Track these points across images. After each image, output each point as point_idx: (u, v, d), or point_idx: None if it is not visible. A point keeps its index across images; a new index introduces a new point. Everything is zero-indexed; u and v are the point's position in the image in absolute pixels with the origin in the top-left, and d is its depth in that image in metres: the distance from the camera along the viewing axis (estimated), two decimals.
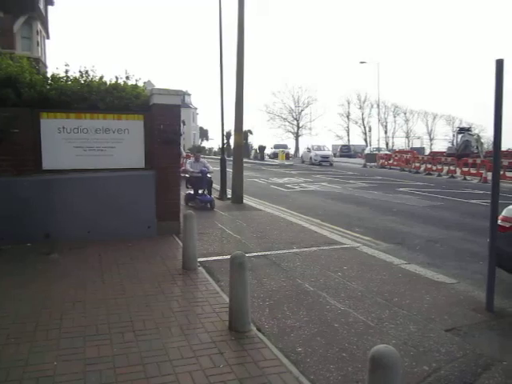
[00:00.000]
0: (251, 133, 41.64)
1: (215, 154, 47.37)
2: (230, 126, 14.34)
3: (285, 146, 49.39)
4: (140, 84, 8.62)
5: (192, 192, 12.11)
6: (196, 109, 69.91)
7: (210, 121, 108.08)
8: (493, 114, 4.96)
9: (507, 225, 5.52)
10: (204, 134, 73.09)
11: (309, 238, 8.31)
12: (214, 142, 69.65)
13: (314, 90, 65.88)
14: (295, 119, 64.67)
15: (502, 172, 21.43)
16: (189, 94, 64.44)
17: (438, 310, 4.90)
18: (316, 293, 5.40)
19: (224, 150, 16.36)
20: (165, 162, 8.11)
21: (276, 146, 47.62)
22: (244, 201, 13.09)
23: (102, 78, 8.21)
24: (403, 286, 5.67)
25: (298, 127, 64.29)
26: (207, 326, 4.29)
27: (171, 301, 5.00)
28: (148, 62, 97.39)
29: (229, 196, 13.57)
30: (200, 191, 11.80)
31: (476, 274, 6.21)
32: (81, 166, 7.74)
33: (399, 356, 2.38)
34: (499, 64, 4.91)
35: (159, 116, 8.04)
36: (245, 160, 23.08)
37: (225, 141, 16.44)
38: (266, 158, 42.59)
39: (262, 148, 41.05)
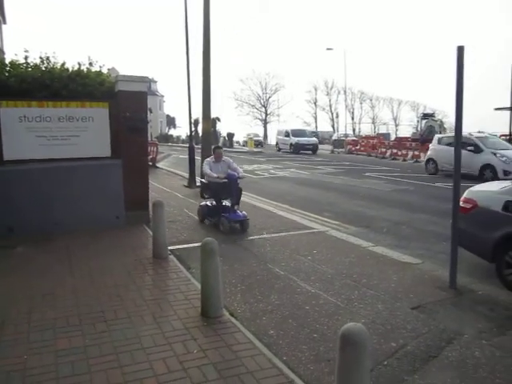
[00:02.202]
0: (219, 120, 41.25)
1: (183, 141, 46.87)
2: (197, 113, 14.11)
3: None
4: (104, 71, 8.40)
5: (210, 204, 8.42)
6: (163, 96, 68.75)
7: (177, 108, 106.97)
8: (454, 100, 5.11)
9: (468, 206, 5.73)
10: (171, 121, 72.06)
11: (278, 224, 8.40)
12: (181, 130, 68.96)
13: (281, 77, 66.07)
14: (263, 106, 64.74)
15: None
16: (155, 82, 63.22)
17: (404, 290, 5.07)
18: (287, 277, 5.49)
19: (192, 137, 16.21)
20: (132, 150, 7.98)
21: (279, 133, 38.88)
22: None
23: (63, 64, 7.95)
24: (371, 268, 5.83)
25: (266, 114, 64.38)
26: (180, 313, 4.31)
27: (142, 290, 4.98)
28: (112, 49, 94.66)
29: (198, 184, 13.50)
30: (224, 202, 8.21)
31: (440, 253, 6.44)
32: (44, 156, 7.51)
33: (368, 333, 2.47)
34: (460, 50, 5.04)
35: (125, 103, 7.89)
36: None
37: (193, 128, 16.29)
38: (235, 145, 42.45)
39: (230, 135, 40.86)
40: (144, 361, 3.44)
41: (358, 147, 33.37)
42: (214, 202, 8.26)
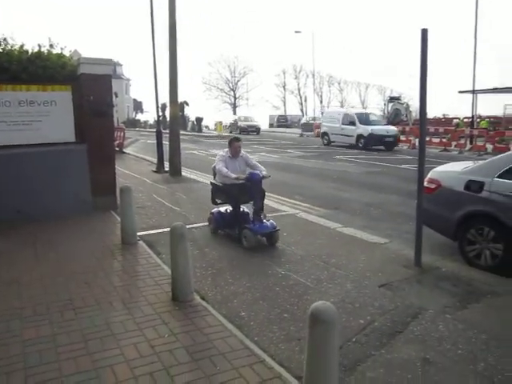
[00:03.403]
0: (187, 104, 40.67)
1: (151, 126, 46.05)
2: (165, 97, 13.77)
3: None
4: (66, 53, 8.11)
5: (225, 210, 6.68)
6: (129, 80, 67.11)
7: (144, 93, 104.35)
8: (419, 83, 5.19)
9: (432, 186, 5.89)
10: (138, 106, 70.54)
11: None
12: (149, 115, 67.61)
13: (250, 61, 65.59)
14: (232, 90, 64.22)
15: (428, 138, 22.69)
16: (120, 65, 61.53)
17: (372, 269, 5.19)
18: (257, 259, 5.52)
19: (160, 122, 15.94)
20: (97, 135, 7.77)
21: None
22: (183, 173, 12.93)
23: (22, 46, 7.61)
24: (340, 248, 5.94)
25: (235, 98, 63.91)
26: (150, 299, 4.28)
27: (111, 276, 4.91)
28: (75, 31, 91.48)
29: (166, 169, 13.35)
30: (245, 209, 6.50)
31: (407, 233, 6.61)
32: (5, 142, 7.23)
33: (336, 311, 2.52)
34: (424, 33, 5.10)
35: (88, 87, 7.65)
36: (182, 132, 22.67)
37: (160, 113, 16.03)
38: (204, 129, 42.05)
39: (199, 119, 40.45)
40: (114, 347, 3.42)
41: None
42: (229, 209, 6.58)
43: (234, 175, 6.16)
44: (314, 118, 42.40)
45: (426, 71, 5.12)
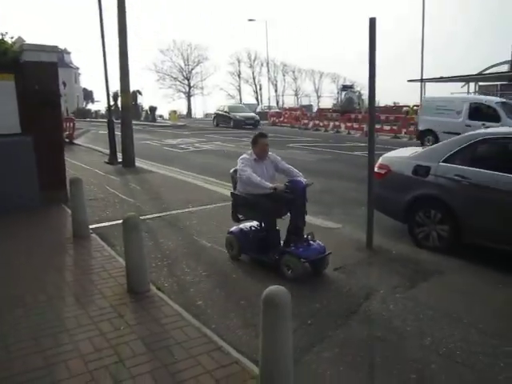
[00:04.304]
0: (140, 93, 39.65)
1: (103, 116, 44.67)
2: (116, 86, 13.30)
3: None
4: (7, 39, 7.70)
5: (249, 228, 5.19)
6: (78, 69, 64.71)
7: (94, 82, 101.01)
8: (368, 71, 5.30)
9: (383, 171, 6.08)
10: (89, 95, 68.18)
11: (204, 196, 8.37)
12: (100, 105, 65.56)
13: (204, 48, 64.51)
14: (186, 78, 63.25)
15: (379, 126, 23.33)
16: (68, 53, 59.20)
17: (335, 251, 5.29)
18: (214, 248, 5.53)
19: (111, 111, 15.48)
20: (44, 126, 7.45)
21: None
22: (136, 164, 12.66)
23: None
24: None
25: (190, 87, 63.05)
26: (105, 292, 4.20)
27: (64, 271, 4.79)
28: (19, 18, 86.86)
29: (119, 160, 13.03)
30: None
31: (359, 218, 6.77)
32: None
33: (289, 294, 2.57)
34: (372, 22, 5.21)
35: (33, 75, 7.31)
36: (136, 122, 22.16)
37: (112, 102, 15.58)
38: (159, 119, 41.27)
39: (152, 109, 39.54)
40: (67, 342, 3.34)
41: (281, 119, 33.84)
42: (254, 226, 5.16)
43: (270, 184, 4.69)
44: (270, 107, 42.55)
45: (374, 60, 5.24)
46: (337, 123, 27.12)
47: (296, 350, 3.26)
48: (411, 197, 5.68)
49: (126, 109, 13.12)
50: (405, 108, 33.96)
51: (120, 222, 5.58)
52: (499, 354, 3.25)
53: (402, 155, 6.37)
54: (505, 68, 34.39)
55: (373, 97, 5.42)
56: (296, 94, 77.73)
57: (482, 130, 6.35)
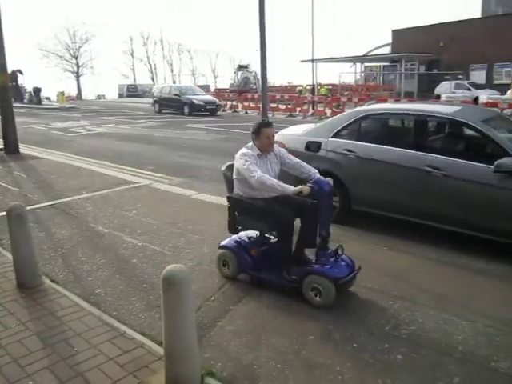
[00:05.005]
0: (21, 72, 36.01)
1: None
2: None
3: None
4: None
5: (247, 240, 4.22)
6: None
7: None
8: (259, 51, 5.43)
9: None
10: None
11: (99, 182, 8.00)
12: None
13: (94, 25, 60.42)
14: (74, 57, 58.95)
15: (275, 105, 24.02)
16: None
17: (226, 230, 5.36)
18: (111, 234, 5.34)
19: None
20: None
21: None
22: (21, 150, 11.60)
23: None
24: (196, 215, 6.05)
25: (78, 66, 58.98)
26: None
27: None
28: None
29: (0, 146, 11.86)
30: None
31: None
32: None
33: (188, 272, 2.59)
34: (261, 2, 5.33)
35: None
36: (18, 105, 20.29)
37: None
38: (45, 101, 38.10)
39: (37, 90, 36.30)
40: None
41: None
42: (253, 237, 4.22)
43: (292, 188, 3.69)
44: None
45: (264, 40, 5.39)
46: (234, 103, 27.33)
47: (201, 326, 3.33)
48: None
49: (4, 90, 11.89)
50: (298, 87, 35.28)
51: (3, 214, 5.17)
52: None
53: (295, 132, 6.63)
54: (387, 50, 37.20)
55: (265, 77, 5.58)
56: (193, 74, 76.64)
57: (364, 107, 6.83)
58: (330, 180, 3.85)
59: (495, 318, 3.47)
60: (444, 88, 26.06)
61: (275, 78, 53.50)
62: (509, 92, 19.55)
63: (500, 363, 2.94)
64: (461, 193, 4.74)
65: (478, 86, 26.27)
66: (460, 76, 27.71)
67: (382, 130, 6.02)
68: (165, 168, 9.39)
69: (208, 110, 23.80)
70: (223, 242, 4.26)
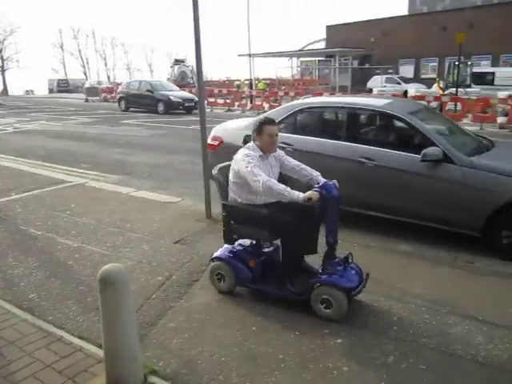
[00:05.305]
0: None
1: None
2: None
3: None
4: None
5: (242, 250, 3.81)
6: None
7: None
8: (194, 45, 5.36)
9: (216, 143, 6.28)
10: None
11: (30, 182, 7.58)
12: None
13: (19, 14, 56.61)
14: None
15: (213, 99, 23.90)
16: None
17: (166, 227, 5.35)
18: (44, 236, 5.09)
19: None
20: None
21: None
22: None
23: None
24: (134, 212, 5.92)
25: (3, 60, 55.40)
26: None
27: None
28: None
29: None
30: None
31: (197, 189, 6.91)
32: None
33: (125, 271, 2.54)
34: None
35: None
36: None
37: None
38: None
39: None
40: None
41: (113, 94, 32.12)
42: (249, 247, 3.84)
43: (301, 194, 3.35)
44: (100, 82, 39.96)
45: (199, 33, 5.33)
46: None
47: (142, 325, 3.29)
48: None
49: None
50: (236, 82, 35.27)
51: None
52: None
53: (232, 126, 6.64)
54: (322, 45, 38.12)
55: (200, 71, 5.53)
56: (128, 69, 74.40)
57: (300, 101, 6.97)
58: (335, 182, 3.53)
59: (423, 297, 3.70)
60: (376, 82, 27.18)
61: (212, 73, 53.23)
62: (434, 86, 20.67)
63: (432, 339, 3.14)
64: (394, 182, 4.97)
65: (406, 80, 27.63)
66: (390, 70, 28.93)
67: (318, 122, 6.18)
68: (100, 165, 9.09)
69: (185, 108, 21.31)
70: (216, 253, 3.84)
